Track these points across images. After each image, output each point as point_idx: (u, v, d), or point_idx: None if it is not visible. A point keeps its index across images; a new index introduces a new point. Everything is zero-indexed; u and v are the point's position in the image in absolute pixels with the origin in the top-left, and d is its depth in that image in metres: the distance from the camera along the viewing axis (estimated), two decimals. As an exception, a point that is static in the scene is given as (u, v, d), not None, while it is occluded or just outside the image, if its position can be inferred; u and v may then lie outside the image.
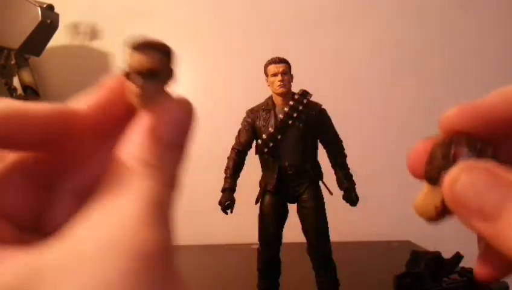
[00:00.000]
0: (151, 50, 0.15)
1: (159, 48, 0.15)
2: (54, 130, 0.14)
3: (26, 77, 1.22)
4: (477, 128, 0.16)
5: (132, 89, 0.15)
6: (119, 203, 0.13)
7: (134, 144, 0.14)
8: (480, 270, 0.17)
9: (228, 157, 0.76)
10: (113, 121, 0.16)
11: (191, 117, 0.15)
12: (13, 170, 0.15)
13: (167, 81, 0.16)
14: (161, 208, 0.13)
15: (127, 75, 0.15)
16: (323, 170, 0.76)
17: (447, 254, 0.78)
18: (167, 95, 0.15)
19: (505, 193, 0.13)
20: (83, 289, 0.10)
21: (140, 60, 0.15)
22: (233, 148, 0.76)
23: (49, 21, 1.07)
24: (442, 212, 0.16)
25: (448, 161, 0.16)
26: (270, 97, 0.75)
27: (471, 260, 0.77)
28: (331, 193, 0.74)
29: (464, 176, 0.14)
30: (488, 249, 0.16)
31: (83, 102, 0.16)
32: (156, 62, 0.15)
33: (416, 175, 0.17)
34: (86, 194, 0.14)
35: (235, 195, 0.73)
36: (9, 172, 0.15)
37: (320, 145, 0.76)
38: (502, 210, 0.13)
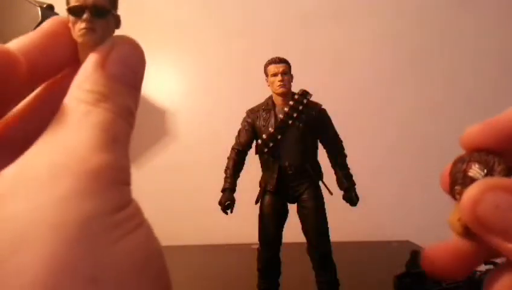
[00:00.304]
0: None
1: None
2: None
3: (26, 77, 1.22)
4: (497, 145, 0.15)
5: (79, 26, 0.15)
6: (66, 131, 0.13)
7: (82, 78, 0.14)
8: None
9: (228, 157, 0.76)
10: (57, 64, 0.16)
11: (140, 55, 0.15)
12: None
13: (113, 22, 0.16)
14: (112, 135, 0.13)
15: (73, 13, 0.16)
16: (323, 170, 0.76)
17: (447, 254, 0.78)
18: (114, 35, 0.16)
19: None
20: (40, 207, 0.10)
21: None
22: (233, 148, 0.76)
23: (49, 21, 1.07)
24: (467, 229, 0.15)
25: (459, 177, 0.15)
26: (270, 97, 0.75)
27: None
28: (331, 193, 0.74)
29: (487, 197, 0.14)
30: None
31: (18, 44, 0.16)
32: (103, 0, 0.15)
33: (447, 192, 0.17)
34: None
35: (235, 195, 0.73)
36: None
37: (320, 145, 0.76)
38: None
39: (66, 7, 0.16)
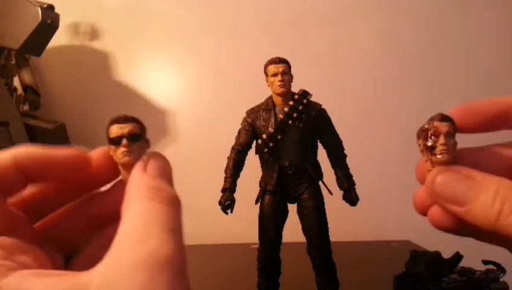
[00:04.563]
0: (128, 120, 0.20)
1: (133, 119, 0.21)
2: (71, 170, 0.20)
3: (27, 77, 1.22)
4: (470, 123, 0.22)
5: (120, 151, 0.20)
6: (137, 232, 0.15)
7: (134, 181, 0.18)
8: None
9: (228, 157, 0.76)
10: (98, 182, 0.22)
11: (167, 161, 0.20)
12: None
13: (145, 144, 0.20)
14: (171, 227, 0.16)
15: (114, 143, 0.20)
16: (323, 170, 0.76)
17: (447, 254, 0.79)
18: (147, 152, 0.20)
19: (468, 184, 0.19)
20: None
21: (123, 127, 0.20)
22: (233, 148, 0.76)
23: (49, 21, 1.07)
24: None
25: (421, 136, 0.22)
26: (270, 97, 0.75)
27: (471, 260, 0.77)
28: (331, 193, 0.74)
29: (440, 177, 0.20)
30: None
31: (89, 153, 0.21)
32: (135, 128, 0.20)
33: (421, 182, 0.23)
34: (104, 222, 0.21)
35: (235, 195, 0.73)
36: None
37: (320, 145, 0.76)
38: (467, 197, 0.19)
39: (107, 139, 0.20)
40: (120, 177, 0.21)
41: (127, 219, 0.16)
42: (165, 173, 0.19)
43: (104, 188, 0.22)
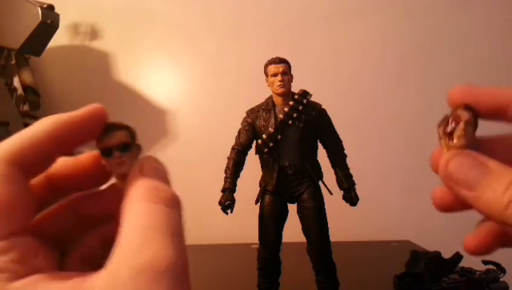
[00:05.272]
0: (117, 128, 0.19)
1: (121, 126, 0.19)
2: (93, 126, 0.19)
3: (27, 77, 1.22)
4: (475, 102, 0.21)
5: (112, 163, 0.19)
6: (126, 227, 0.16)
7: (133, 185, 0.18)
8: (470, 242, 0.22)
9: (228, 157, 0.76)
10: (88, 183, 0.21)
11: (161, 163, 0.19)
12: (66, 205, 0.21)
13: (137, 151, 0.20)
14: (171, 231, 0.16)
15: (105, 154, 0.19)
16: (323, 170, 0.76)
17: (447, 254, 0.79)
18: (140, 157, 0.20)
19: (481, 170, 0.19)
20: None
21: (112, 137, 0.19)
22: (233, 148, 0.76)
23: (49, 21, 1.07)
24: None
25: (442, 124, 0.21)
26: (270, 97, 0.75)
27: (471, 260, 0.77)
28: (331, 193, 0.74)
29: (454, 160, 0.20)
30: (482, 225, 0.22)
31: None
32: (125, 136, 0.19)
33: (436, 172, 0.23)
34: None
35: (235, 195, 0.73)
36: (63, 206, 0.21)
37: (320, 145, 0.76)
38: (480, 181, 0.19)
39: (97, 149, 0.19)
40: (113, 182, 0.21)
41: (127, 223, 0.16)
42: (162, 174, 0.19)
43: (96, 190, 0.21)
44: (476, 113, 0.21)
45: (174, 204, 0.17)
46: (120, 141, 0.19)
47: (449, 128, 0.21)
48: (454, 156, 0.20)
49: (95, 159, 0.20)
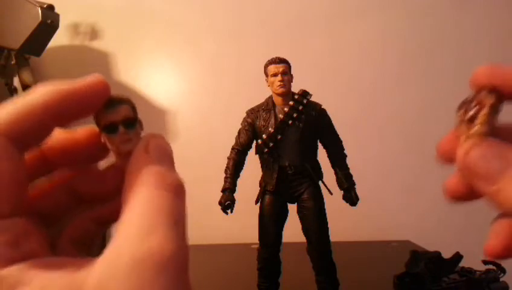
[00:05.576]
0: (122, 102, 0.18)
1: (125, 100, 0.18)
2: (95, 99, 0.17)
3: (27, 77, 1.22)
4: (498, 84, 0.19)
5: (117, 140, 0.17)
6: (129, 213, 0.15)
7: (136, 166, 0.16)
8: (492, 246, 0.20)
9: (228, 157, 0.76)
10: (85, 157, 0.20)
11: (166, 141, 0.18)
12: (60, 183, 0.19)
13: (140, 127, 0.18)
14: (173, 219, 0.15)
15: (108, 131, 0.17)
16: (323, 170, 0.76)
17: (447, 254, 0.79)
18: (145, 134, 0.18)
19: (504, 162, 0.17)
20: None
21: (116, 112, 0.17)
22: (233, 148, 0.76)
23: (49, 21, 1.07)
24: None
25: (462, 108, 0.19)
26: (270, 97, 0.75)
27: (471, 260, 0.77)
28: (331, 193, 0.74)
29: (475, 150, 0.18)
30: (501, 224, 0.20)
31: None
32: (130, 111, 0.18)
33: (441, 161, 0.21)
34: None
35: (235, 195, 0.73)
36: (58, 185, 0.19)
37: (320, 145, 0.76)
38: (502, 175, 0.17)
39: (98, 126, 0.18)
40: (112, 162, 0.19)
41: (130, 209, 0.15)
42: (168, 155, 0.17)
43: (93, 167, 0.20)
44: (501, 96, 0.19)
45: (180, 191, 0.16)
46: (126, 116, 0.17)
47: (471, 112, 0.19)
48: (475, 146, 0.18)
49: (92, 135, 0.19)
